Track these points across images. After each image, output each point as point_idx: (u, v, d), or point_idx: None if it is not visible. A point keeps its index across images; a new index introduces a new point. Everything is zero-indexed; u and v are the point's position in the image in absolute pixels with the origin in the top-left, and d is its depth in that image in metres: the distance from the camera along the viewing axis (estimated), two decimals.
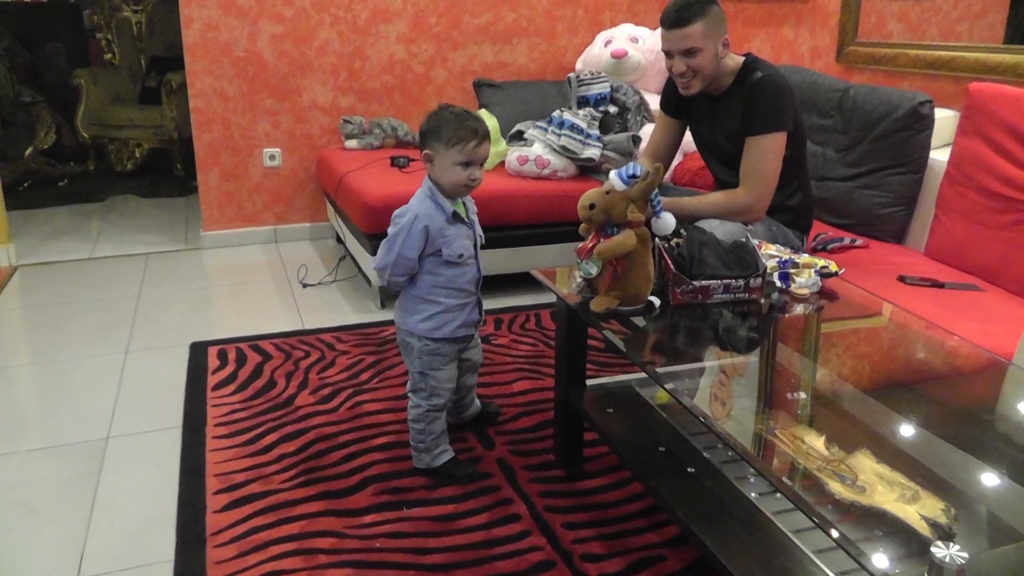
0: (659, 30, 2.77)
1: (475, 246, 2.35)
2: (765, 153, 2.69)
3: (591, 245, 2.08)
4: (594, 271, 2.09)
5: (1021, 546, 1.37)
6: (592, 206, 2.08)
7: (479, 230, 2.39)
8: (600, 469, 2.52)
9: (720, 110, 2.84)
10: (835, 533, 1.33)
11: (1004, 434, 1.78)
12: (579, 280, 2.21)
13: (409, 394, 2.45)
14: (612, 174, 2.08)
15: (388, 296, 3.85)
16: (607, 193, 2.08)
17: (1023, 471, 1.59)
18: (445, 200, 2.25)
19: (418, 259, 2.26)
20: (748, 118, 2.72)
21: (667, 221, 2.12)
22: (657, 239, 2.21)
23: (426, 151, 2.23)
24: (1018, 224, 2.72)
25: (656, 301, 2.13)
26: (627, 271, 2.07)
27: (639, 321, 2.12)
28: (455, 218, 2.27)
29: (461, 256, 2.28)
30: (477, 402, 2.73)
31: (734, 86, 2.78)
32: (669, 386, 1.82)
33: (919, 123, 3.13)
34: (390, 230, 2.27)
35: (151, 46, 6.84)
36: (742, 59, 2.79)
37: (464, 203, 2.33)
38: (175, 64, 6.07)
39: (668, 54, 2.75)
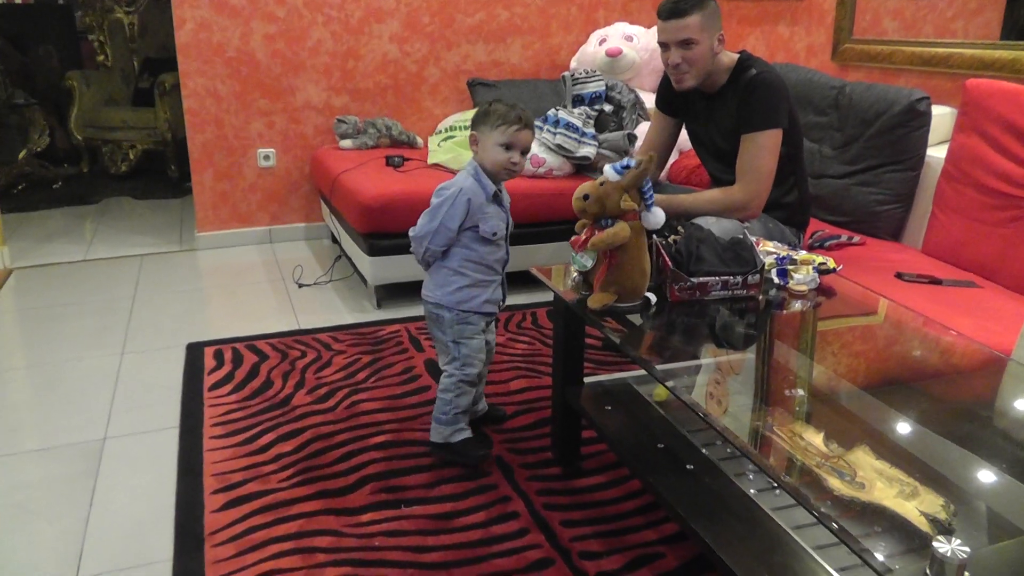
0: (654, 28, 2.77)
1: (507, 230, 2.46)
2: (761, 150, 2.69)
3: (585, 238, 2.08)
4: (589, 264, 2.09)
5: (1020, 541, 1.36)
6: (586, 197, 2.09)
7: (510, 218, 2.50)
8: (598, 467, 2.51)
9: (715, 108, 2.84)
10: (837, 528, 1.32)
11: (1003, 430, 1.77)
12: (575, 275, 2.22)
13: (444, 367, 2.51)
14: (607, 167, 2.09)
15: (384, 295, 3.84)
16: (601, 185, 2.08)
17: (1022, 467, 1.58)
18: (487, 180, 2.37)
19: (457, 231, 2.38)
20: (743, 115, 2.72)
21: (657, 215, 2.11)
22: (655, 236, 2.21)
23: (473, 133, 2.37)
24: (1016, 220, 2.72)
25: (653, 298, 2.13)
26: (622, 264, 2.06)
27: (637, 318, 2.12)
28: (494, 198, 2.39)
29: (495, 234, 2.39)
30: (484, 402, 2.76)
31: (729, 84, 2.78)
32: (669, 383, 1.82)
33: (916, 120, 3.13)
34: (433, 200, 2.38)
35: (144, 47, 6.82)
36: (737, 57, 2.79)
37: (501, 190, 2.45)
38: (168, 65, 6.06)
39: (664, 46, 2.74)
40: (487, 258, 2.42)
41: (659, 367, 1.90)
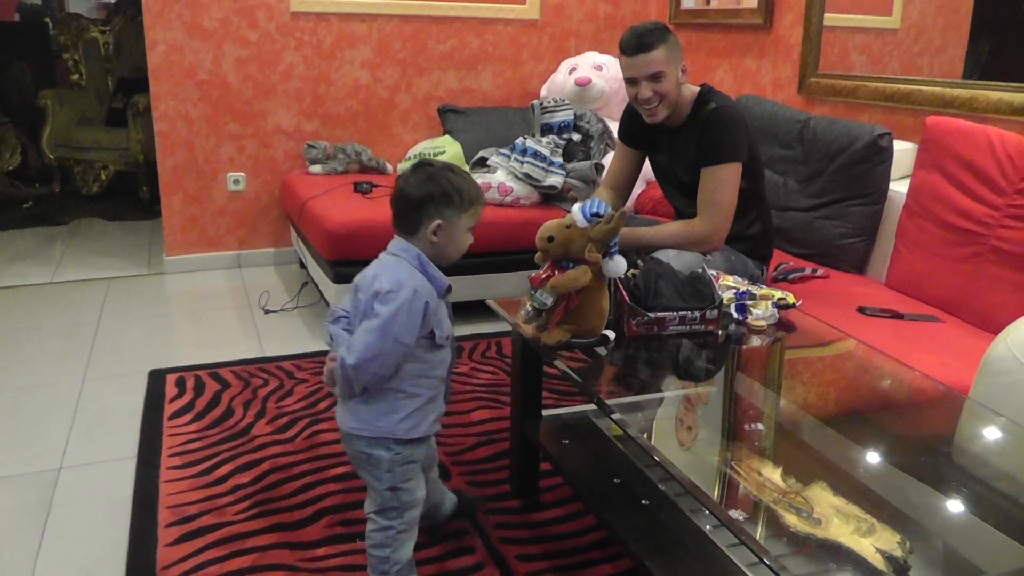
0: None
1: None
2: (720, 183, 2.70)
3: (545, 276, 2.06)
4: (549, 302, 2.05)
5: None
6: (551, 239, 2.05)
7: None
8: (556, 500, 2.50)
9: (677, 140, 2.85)
10: (777, 567, 1.31)
11: (961, 466, 1.78)
12: (529, 309, 2.16)
13: (372, 516, 1.99)
14: (575, 208, 2.04)
15: None
16: (567, 227, 2.05)
17: (979, 504, 1.59)
18: (438, 272, 1.93)
19: None
20: (703, 149, 2.73)
21: (619, 264, 2.08)
22: None
23: (438, 222, 1.89)
24: (975, 256, 2.74)
25: (611, 335, 2.12)
26: (581, 306, 2.05)
27: (593, 352, 2.11)
28: (445, 292, 1.97)
29: (448, 338, 1.97)
30: (449, 493, 2.33)
31: (691, 117, 2.79)
32: (616, 416, 1.81)
33: (878, 155, 3.15)
34: (379, 308, 1.82)
35: (118, 67, 6.79)
36: (698, 90, 2.80)
37: None
38: (142, 86, 6.00)
39: (632, 81, 2.75)
40: (439, 367, 1.97)
41: (612, 402, 1.90)
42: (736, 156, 2.70)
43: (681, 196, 2.94)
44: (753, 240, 2.92)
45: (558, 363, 2.03)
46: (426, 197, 1.88)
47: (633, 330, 2.15)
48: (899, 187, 3.17)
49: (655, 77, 2.70)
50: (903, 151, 3.28)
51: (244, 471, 2.62)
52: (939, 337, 2.57)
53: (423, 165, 1.94)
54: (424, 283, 1.87)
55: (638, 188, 3.80)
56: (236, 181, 4.69)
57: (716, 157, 2.69)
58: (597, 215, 2.03)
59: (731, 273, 2.61)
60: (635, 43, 2.68)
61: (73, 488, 2.56)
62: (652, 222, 3.00)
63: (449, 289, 1.96)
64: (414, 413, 1.92)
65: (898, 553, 1.38)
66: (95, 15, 7.63)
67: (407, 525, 1.99)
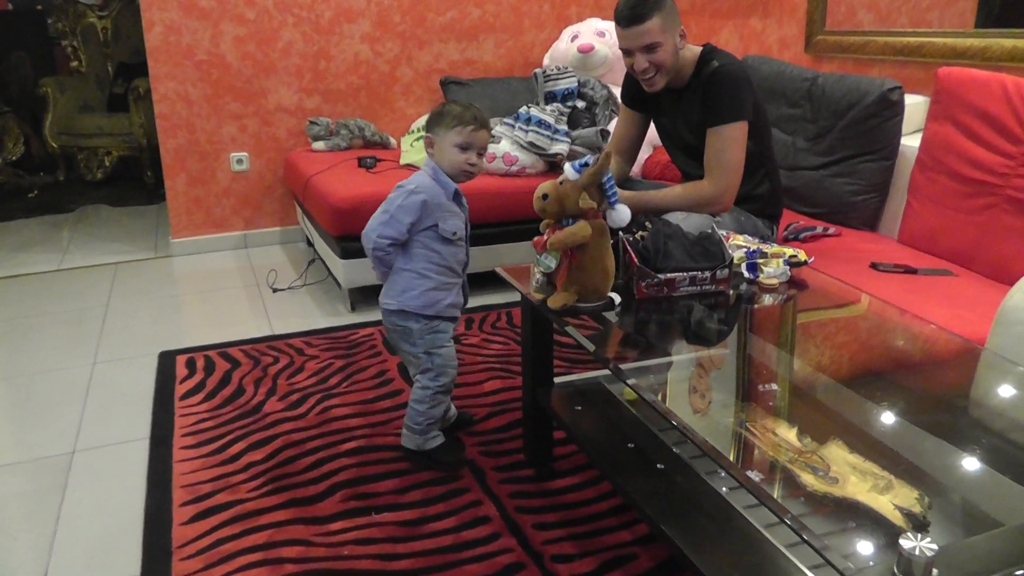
0: None
1: (466, 231, 2.45)
2: (727, 143, 2.66)
3: (547, 238, 2.04)
4: (552, 264, 2.05)
5: (994, 535, 1.34)
6: (545, 196, 2.05)
7: (468, 219, 2.50)
8: (571, 468, 2.48)
9: (681, 102, 2.80)
10: (798, 526, 1.29)
11: (978, 420, 1.75)
12: (539, 276, 2.17)
13: (417, 376, 2.47)
14: (566, 166, 2.05)
15: (358, 298, 3.81)
16: (560, 183, 2.05)
17: (998, 457, 1.56)
18: (447, 179, 2.36)
19: (410, 231, 2.34)
20: (707, 109, 2.69)
21: (622, 213, 2.07)
22: (622, 233, 2.17)
23: (428, 135, 2.36)
24: (989, 208, 2.70)
25: (617, 298, 2.09)
26: (583, 264, 2.03)
27: (603, 317, 2.08)
28: (455, 197, 2.38)
29: (455, 234, 2.37)
30: (453, 408, 2.70)
31: (694, 77, 2.75)
32: (631, 381, 1.78)
33: (888, 109, 3.10)
34: (390, 195, 2.36)
35: (117, 52, 6.76)
36: (700, 50, 2.75)
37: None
38: (142, 70, 5.96)
39: (628, 52, 2.71)
40: (449, 259, 2.40)
41: (624, 366, 1.87)
42: (741, 115, 2.65)
43: (686, 158, 2.91)
44: (762, 200, 2.89)
45: (569, 329, 2.00)
46: (428, 120, 2.39)
47: (643, 292, 2.12)
48: (911, 141, 3.13)
49: (650, 48, 2.65)
50: (914, 105, 3.23)
51: (257, 448, 2.61)
52: (953, 290, 2.54)
53: (448, 100, 2.45)
54: (432, 185, 2.34)
55: (645, 152, 3.76)
56: (239, 161, 4.67)
57: (721, 117, 2.65)
58: (586, 165, 2.02)
59: (741, 233, 2.58)
60: (628, 14, 2.63)
61: (87, 471, 2.55)
62: (659, 186, 2.97)
63: (458, 193, 2.39)
64: (428, 292, 2.38)
65: (917, 509, 1.35)
66: (92, 1, 7.59)
67: (441, 388, 2.45)
